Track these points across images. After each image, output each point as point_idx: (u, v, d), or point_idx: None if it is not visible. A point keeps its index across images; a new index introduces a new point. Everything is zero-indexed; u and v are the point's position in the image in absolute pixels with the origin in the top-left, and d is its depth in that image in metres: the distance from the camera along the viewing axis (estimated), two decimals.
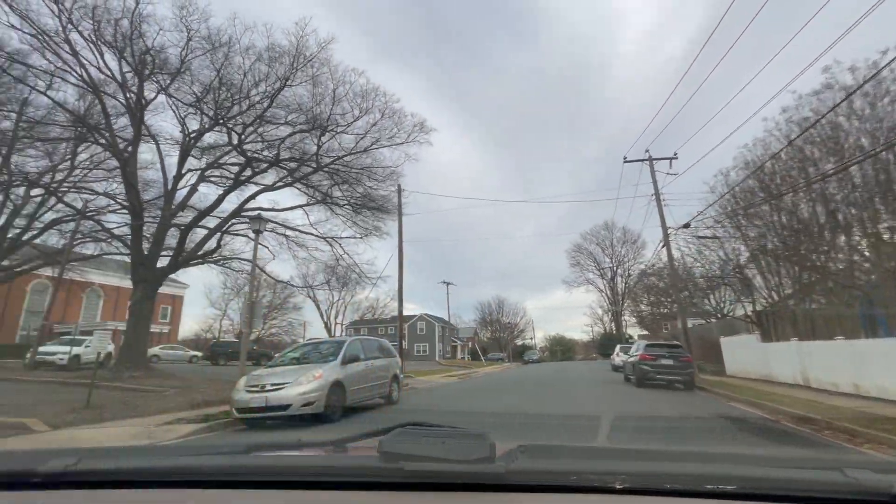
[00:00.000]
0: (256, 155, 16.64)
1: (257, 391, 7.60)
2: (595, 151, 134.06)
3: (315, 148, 16.39)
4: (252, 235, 19.66)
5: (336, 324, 70.78)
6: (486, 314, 78.80)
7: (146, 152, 22.60)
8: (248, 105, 15.37)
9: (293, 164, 16.81)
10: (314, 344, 10.31)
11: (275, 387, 7.58)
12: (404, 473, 0.92)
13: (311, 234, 19.74)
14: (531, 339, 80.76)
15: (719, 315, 24.32)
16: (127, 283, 47.02)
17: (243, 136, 15.73)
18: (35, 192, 23.86)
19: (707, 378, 15.78)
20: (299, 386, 7.58)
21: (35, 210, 23.78)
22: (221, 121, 15.64)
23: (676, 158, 20.00)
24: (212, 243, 17.81)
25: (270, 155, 16.63)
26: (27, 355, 21.26)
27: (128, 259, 28.43)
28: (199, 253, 17.72)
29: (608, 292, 73.23)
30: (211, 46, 14.32)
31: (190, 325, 64.53)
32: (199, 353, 35.98)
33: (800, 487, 0.91)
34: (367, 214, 18.94)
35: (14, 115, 19.96)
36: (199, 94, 15.21)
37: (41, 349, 20.61)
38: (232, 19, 16.37)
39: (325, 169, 16.85)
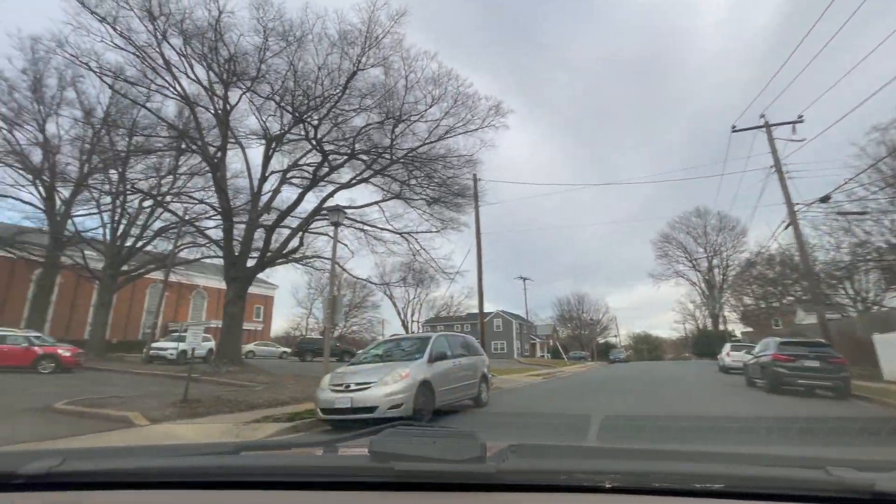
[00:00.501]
0: (333, 148, 16.60)
1: (342, 391, 7.02)
2: (678, 134, 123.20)
3: (389, 140, 16.02)
4: (332, 234, 19.97)
5: (412, 321, 72.10)
6: (564, 311, 75.47)
7: (235, 161, 24.10)
8: (323, 97, 15.35)
9: (368, 158, 16.57)
10: (397, 340, 9.67)
11: (360, 386, 6.95)
12: (395, 473, 0.91)
13: (388, 230, 19.53)
14: (615, 336, 75.83)
15: (860, 307, 20.27)
16: (225, 285, 51.83)
17: (319, 129, 15.72)
18: (144, 203, 26.49)
19: (864, 385, 12.86)
20: (385, 386, 6.88)
21: (146, 220, 26.37)
22: (298, 114, 15.75)
23: (802, 121, 16.80)
24: (295, 242, 18.23)
25: (346, 146, 16.51)
26: (144, 350, 23.50)
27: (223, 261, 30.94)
28: (284, 252, 18.19)
29: (702, 285, 66.55)
30: (286, 43, 14.48)
31: (280, 323, 69.09)
32: (288, 350, 38.01)
33: (785, 486, 0.93)
34: (445, 205, 18.31)
35: (125, 134, 22.17)
36: (277, 91, 15.43)
37: (154, 345, 22.65)
38: (304, 10, 16.51)
39: (401, 160, 16.40)
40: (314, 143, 15.95)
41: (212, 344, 26.22)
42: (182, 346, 22.85)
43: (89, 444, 6.12)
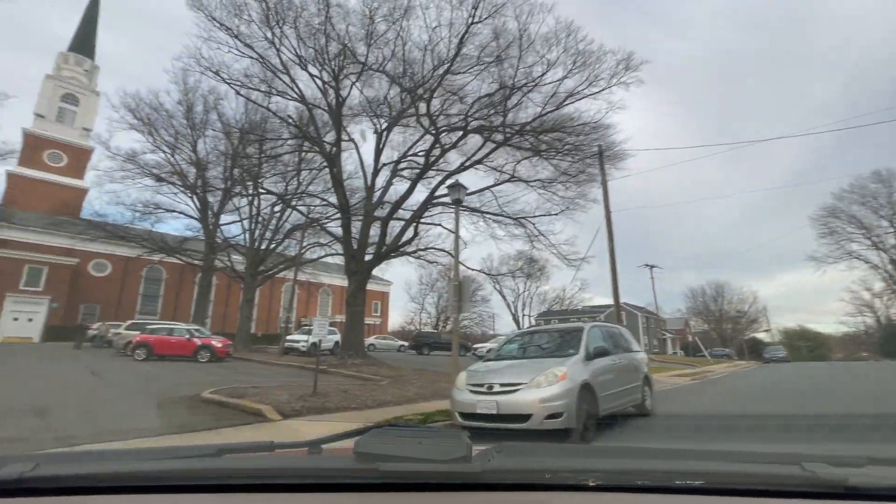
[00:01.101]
0: (445, 125, 15.65)
1: (483, 392, 5.73)
2: (830, 90, 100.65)
3: (501, 116, 14.55)
4: (444, 225, 19.05)
5: (523, 315, 70.01)
6: (698, 302, 66.52)
7: (349, 164, 24.86)
8: (435, 66, 14.44)
9: (483, 134, 15.26)
10: (535, 333, 8.13)
11: (506, 388, 5.59)
12: (380, 474, 0.91)
13: (503, 217, 18.11)
14: (765, 331, 64.54)
15: None
16: (346, 283, 55.72)
17: (432, 103, 14.82)
18: (275, 208, 28.86)
19: None
20: (538, 389, 5.41)
21: (277, 223, 28.73)
22: (409, 89, 14.96)
23: None
24: (409, 233, 17.82)
25: (459, 122, 15.44)
26: (280, 343, 25.48)
27: (342, 260, 32.56)
28: (399, 244, 17.86)
29: (888, 267, 53.05)
30: (393, 21, 13.89)
31: (395, 317, 72.28)
32: (406, 343, 38.94)
33: (762, 481, 0.94)
34: (569, 179, 16.25)
35: (256, 145, 24.12)
36: (385, 66, 14.89)
37: (289, 338, 24.35)
38: None
39: (519, 132, 14.80)
40: (427, 118, 15.13)
41: (337, 337, 27.56)
42: (311, 338, 24.32)
43: (219, 440, 5.72)
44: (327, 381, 12.53)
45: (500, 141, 15.17)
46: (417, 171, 19.11)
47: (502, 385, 5.67)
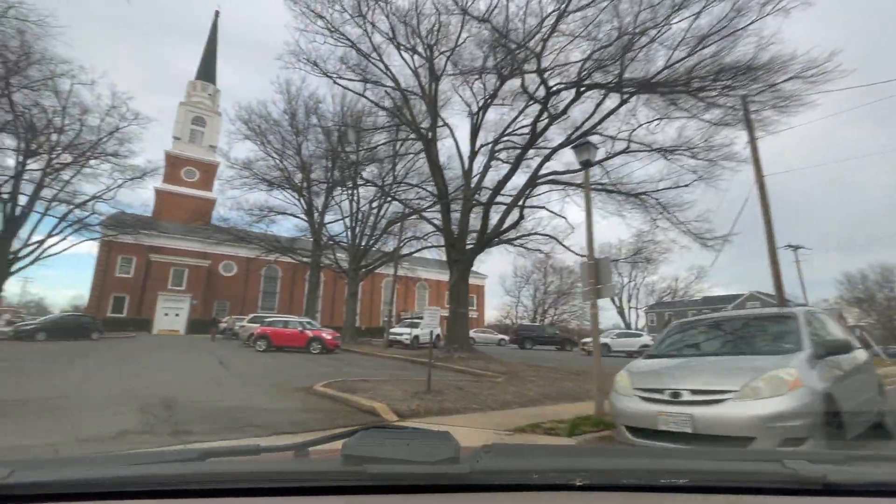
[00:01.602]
0: (557, 85, 13.90)
1: (665, 401, 4.17)
2: None
3: (619, 68, 12.39)
4: (549, 208, 17.26)
5: (630, 308, 64.47)
6: (856, 290, 55.25)
7: (442, 155, 24.08)
8: (542, 19, 12.80)
9: (603, 89, 13.24)
10: (710, 321, 6.19)
11: (702, 397, 3.97)
12: (367, 476, 0.90)
13: (620, 193, 15.84)
14: None
15: None
16: (442, 276, 55.99)
17: (542, 57, 13.13)
18: (372, 203, 29.34)
19: None
20: (759, 401, 3.72)
21: (375, 219, 29.18)
22: (517, 44, 13.33)
23: None
24: (513, 216, 16.40)
25: (572, 81, 13.61)
26: (384, 336, 25.76)
27: (440, 256, 32.22)
28: (501, 230, 16.55)
29: None
30: None
31: (490, 311, 71.15)
32: (506, 337, 37.60)
33: (744, 478, 0.96)
34: (708, 139, 13.53)
35: (354, 142, 24.51)
36: (494, 25, 13.52)
37: (392, 330, 24.45)
38: None
39: (646, 84, 12.51)
40: (537, 76, 13.46)
41: (438, 330, 27.28)
42: (415, 331, 24.15)
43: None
44: (437, 376, 11.73)
45: (629, 92, 12.89)
46: (517, 151, 17.63)
47: (694, 392, 4.05)
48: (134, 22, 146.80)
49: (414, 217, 24.77)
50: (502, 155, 19.14)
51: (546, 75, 13.01)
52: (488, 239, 16.09)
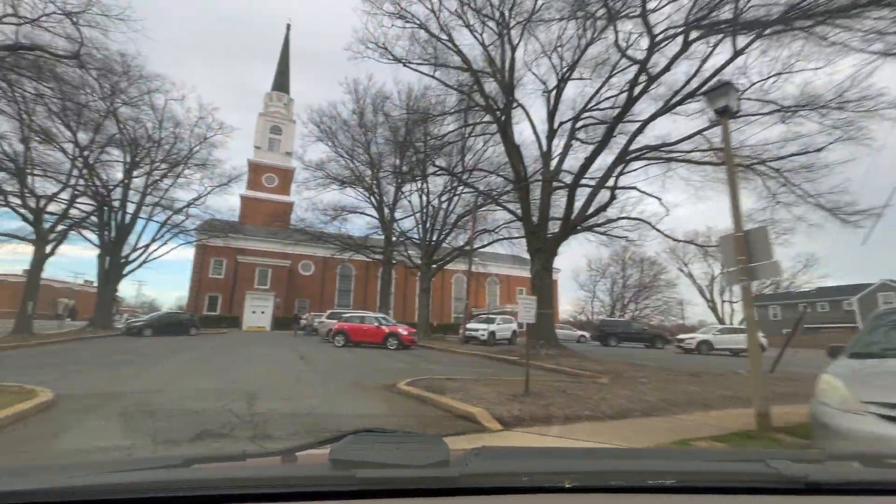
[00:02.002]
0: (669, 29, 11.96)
1: None
2: None
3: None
4: (640, 188, 15.28)
5: (723, 301, 58.19)
6: None
7: (520, 142, 22.68)
8: None
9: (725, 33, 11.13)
10: None
11: None
12: (356, 481, 0.89)
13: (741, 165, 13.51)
14: None
15: None
16: (513, 272, 54.34)
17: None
18: (441, 197, 28.66)
19: None
20: None
21: (445, 212, 28.50)
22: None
23: None
24: (600, 200, 14.70)
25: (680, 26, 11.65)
26: (460, 331, 24.97)
27: (511, 250, 30.82)
28: (588, 213, 14.91)
29: None
30: None
31: (563, 307, 68.00)
32: (585, 334, 35.26)
33: (729, 479, 0.99)
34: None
35: (421, 137, 23.92)
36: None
37: (468, 326, 23.58)
38: None
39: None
40: (641, 21, 11.71)
41: (514, 326, 25.95)
42: (491, 327, 23.10)
43: None
44: (521, 373, 10.60)
45: (757, 31, 10.67)
46: (602, 126, 15.86)
47: None
48: (211, 47, 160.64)
49: (486, 208, 23.67)
50: (581, 135, 17.44)
51: (650, 20, 11.15)
52: (573, 224, 14.53)
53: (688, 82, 12.41)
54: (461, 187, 27.67)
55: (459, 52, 15.79)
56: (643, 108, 14.46)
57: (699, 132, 14.05)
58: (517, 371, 11.65)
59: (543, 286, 14.76)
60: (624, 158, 14.30)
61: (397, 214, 32.40)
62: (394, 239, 32.12)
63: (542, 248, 14.82)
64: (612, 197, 14.10)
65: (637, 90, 12.85)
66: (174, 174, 29.99)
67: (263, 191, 51.22)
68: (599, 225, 16.73)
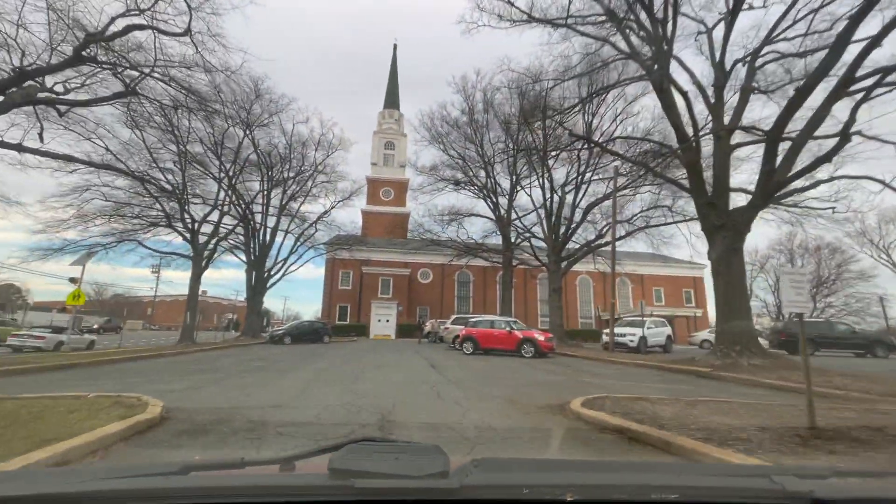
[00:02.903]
0: None
1: None
2: None
3: None
4: (878, 141, 10.87)
5: None
6: None
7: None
8: None
9: None
10: None
11: None
12: (354, 491, 0.89)
13: None
14: None
15: None
16: (649, 270, 47.93)
17: None
18: (566, 187, 25.58)
19: None
20: None
21: (574, 197, 25.34)
22: None
23: None
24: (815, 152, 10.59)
25: None
26: (604, 337, 21.55)
27: (641, 246, 26.29)
28: (802, 169, 10.86)
29: None
30: None
31: (712, 309, 58.07)
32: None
33: (733, 494, 0.96)
34: None
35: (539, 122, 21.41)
36: None
37: (617, 331, 20.15)
38: None
39: None
40: None
41: (668, 330, 21.67)
42: (641, 331, 19.38)
43: None
44: (736, 393, 7.48)
45: None
46: (792, 59, 11.73)
47: None
48: (322, 80, 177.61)
49: (630, 188, 20.02)
50: (760, 79, 13.28)
51: None
52: (778, 185, 10.63)
53: None
54: (589, 174, 24.43)
55: None
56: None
57: None
58: (717, 388, 8.47)
59: (732, 274, 11.07)
60: (846, 89, 10.07)
61: (515, 213, 30.23)
62: (514, 242, 29.94)
63: (726, 224, 11.20)
64: (843, 139, 9.80)
65: None
66: (304, 192, 32.00)
67: (381, 204, 53.36)
68: (809, 187, 12.29)
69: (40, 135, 12.11)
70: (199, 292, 25.15)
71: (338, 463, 0.96)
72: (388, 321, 42.12)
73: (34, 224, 19.53)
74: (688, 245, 21.75)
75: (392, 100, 60.96)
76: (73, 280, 20.10)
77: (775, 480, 0.96)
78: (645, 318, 20.23)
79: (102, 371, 10.12)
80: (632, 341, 18.98)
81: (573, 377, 10.26)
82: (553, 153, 22.01)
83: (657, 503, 0.93)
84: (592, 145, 16.57)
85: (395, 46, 65.77)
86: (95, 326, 44.97)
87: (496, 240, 32.18)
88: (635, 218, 25.61)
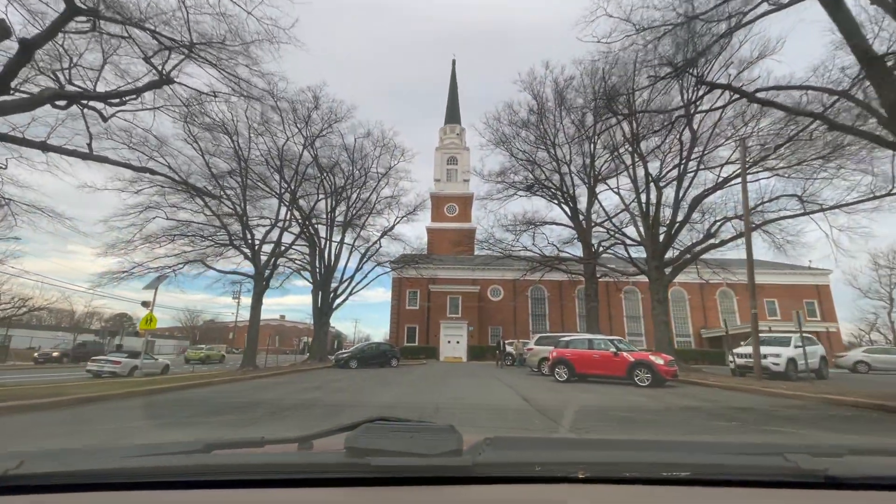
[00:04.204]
0: None
1: None
2: None
3: None
4: None
5: None
6: None
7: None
8: None
9: None
10: None
11: None
12: (371, 469, 0.91)
13: None
14: None
15: None
16: (763, 279, 40.95)
17: None
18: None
19: None
20: None
21: (676, 194, 21.43)
22: None
23: None
24: None
25: None
26: (729, 359, 17.28)
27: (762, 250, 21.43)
28: None
29: None
30: None
31: (842, 323, 48.67)
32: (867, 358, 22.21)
33: (746, 472, 0.95)
34: None
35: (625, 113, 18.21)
36: None
37: (738, 351, 15.91)
38: None
39: None
40: None
41: (821, 350, 16.86)
42: (789, 351, 14.97)
43: None
44: None
45: None
46: None
47: None
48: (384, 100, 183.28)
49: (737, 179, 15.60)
50: None
51: None
52: None
53: None
54: (691, 162, 20.45)
55: None
56: None
57: None
58: None
59: None
60: None
61: (598, 217, 26.68)
62: (595, 247, 26.33)
63: None
64: None
65: None
66: (368, 207, 30.94)
67: (446, 220, 51.72)
68: None
69: (89, 145, 11.31)
70: (277, 317, 24.44)
71: (354, 441, 0.98)
72: (458, 342, 39.52)
73: (99, 247, 19.62)
74: (828, 241, 16.72)
75: (453, 114, 59.95)
76: (145, 304, 19.89)
77: (789, 458, 0.96)
78: (790, 335, 15.76)
79: (124, 405, 8.51)
80: (776, 364, 14.66)
81: (734, 416, 6.91)
82: (654, 132, 18.55)
83: (669, 481, 0.93)
84: (734, 94, 12.48)
85: (453, 62, 65.89)
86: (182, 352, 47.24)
87: (572, 250, 28.79)
88: (758, 206, 21.00)
